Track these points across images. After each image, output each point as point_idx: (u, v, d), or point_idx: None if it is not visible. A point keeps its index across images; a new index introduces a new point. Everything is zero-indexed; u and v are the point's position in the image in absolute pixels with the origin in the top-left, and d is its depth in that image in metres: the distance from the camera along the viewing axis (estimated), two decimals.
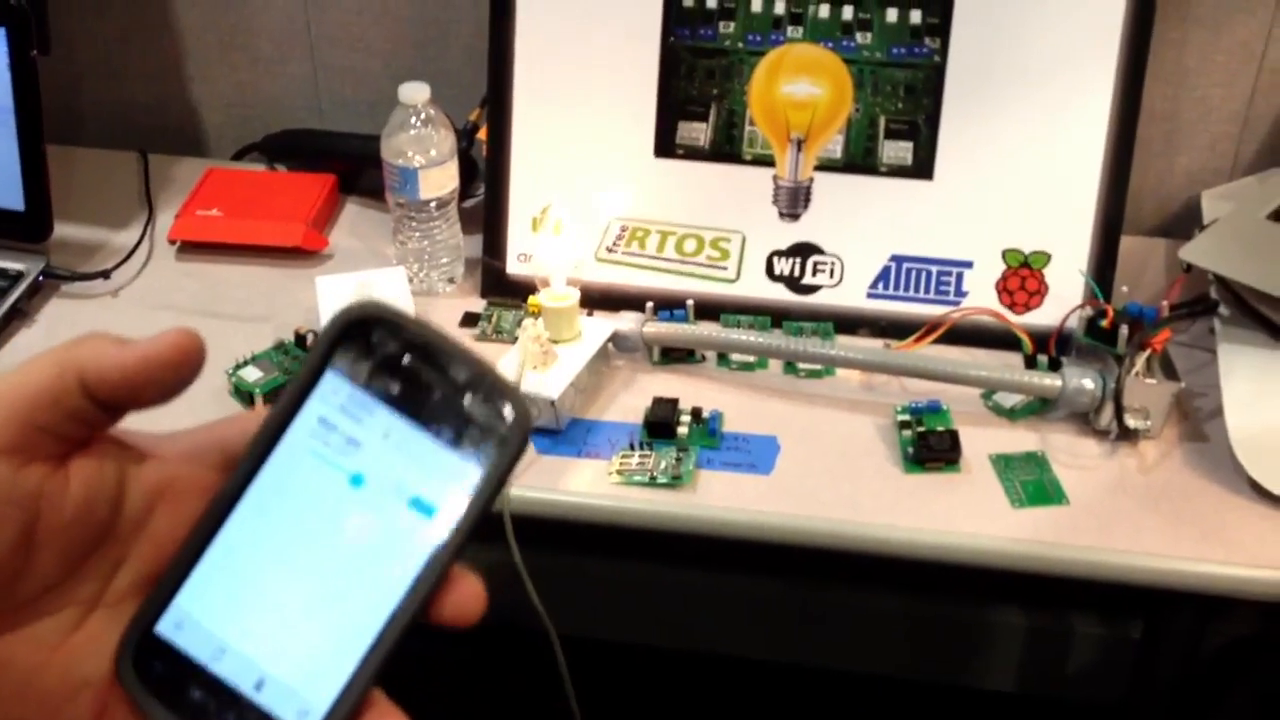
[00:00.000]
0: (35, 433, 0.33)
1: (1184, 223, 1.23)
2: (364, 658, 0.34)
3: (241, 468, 0.35)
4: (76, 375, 0.34)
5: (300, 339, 1.08)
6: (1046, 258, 1.10)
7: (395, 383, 0.35)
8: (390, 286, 1.11)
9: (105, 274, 1.17)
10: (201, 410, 0.36)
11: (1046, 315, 1.09)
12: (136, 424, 0.37)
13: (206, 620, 0.35)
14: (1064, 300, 1.09)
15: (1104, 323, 1.01)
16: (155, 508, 0.35)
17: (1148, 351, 0.99)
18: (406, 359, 0.35)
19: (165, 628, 0.35)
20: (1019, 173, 1.10)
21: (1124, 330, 0.99)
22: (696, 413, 1.02)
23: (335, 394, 0.35)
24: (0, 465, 0.33)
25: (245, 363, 1.05)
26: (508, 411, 0.34)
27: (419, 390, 0.35)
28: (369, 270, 1.15)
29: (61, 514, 0.33)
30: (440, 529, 0.34)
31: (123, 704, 0.35)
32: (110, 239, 1.24)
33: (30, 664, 0.34)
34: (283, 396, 0.35)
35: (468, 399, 0.34)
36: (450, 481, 0.34)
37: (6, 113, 1.15)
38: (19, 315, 1.14)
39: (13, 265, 1.16)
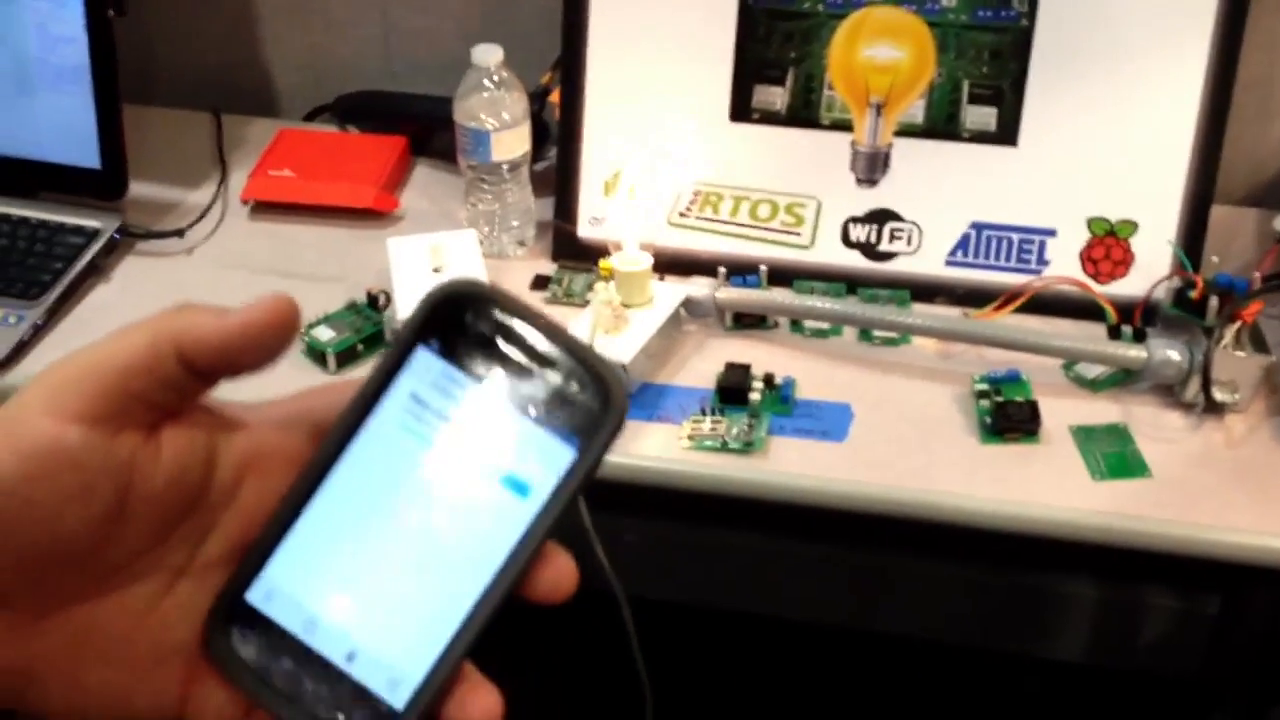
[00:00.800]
0: (128, 401, 0.33)
1: (1277, 192, 1.20)
2: (456, 632, 0.34)
3: (331, 440, 0.35)
4: (173, 344, 0.34)
5: (372, 299, 1.08)
6: (1133, 227, 1.07)
7: (490, 361, 0.34)
8: (461, 249, 1.10)
9: (180, 233, 1.18)
10: (275, 370, 0.36)
11: (1132, 286, 1.07)
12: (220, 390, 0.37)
13: (297, 591, 0.35)
14: (1150, 271, 1.06)
15: (1193, 294, 0.98)
16: (245, 478, 0.35)
17: (1238, 323, 0.96)
18: (501, 337, 0.34)
19: (255, 597, 0.35)
20: (1106, 140, 1.07)
21: (1213, 301, 0.97)
22: (769, 379, 1.01)
23: (428, 370, 0.35)
24: (94, 434, 0.33)
25: (318, 322, 1.06)
26: (605, 393, 0.34)
27: (514, 369, 0.34)
28: (440, 232, 1.14)
29: (153, 483, 0.33)
30: (534, 507, 0.34)
31: (211, 673, 0.35)
32: (184, 198, 1.25)
33: (120, 629, 0.34)
34: (373, 371, 0.35)
35: (564, 379, 0.34)
36: (545, 461, 0.34)
37: (83, 72, 1.16)
38: (95, 272, 1.15)
39: (89, 223, 1.17)
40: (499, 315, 0.34)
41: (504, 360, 0.34)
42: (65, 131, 1.17)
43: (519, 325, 0.34)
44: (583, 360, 0.34)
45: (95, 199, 1.19)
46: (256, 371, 0.35)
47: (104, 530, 0.33)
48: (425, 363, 0.35)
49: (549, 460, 0.34)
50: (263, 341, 0.34)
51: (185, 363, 0.34)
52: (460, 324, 0.35)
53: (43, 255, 1.14)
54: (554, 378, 0.34)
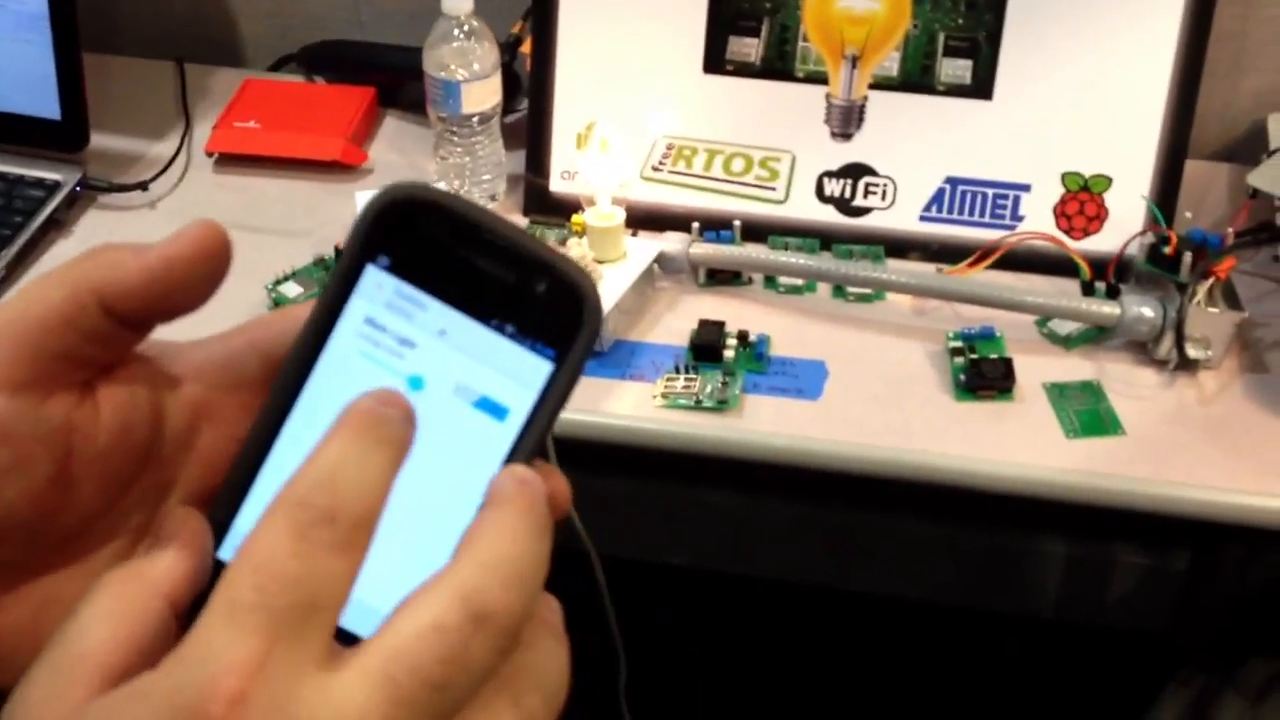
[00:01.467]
0: (52, 361, 0.31)
1: (1249, 147, 1.19)
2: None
3: (285, 378, 0.32)
4: (92, 292, 0.31)
5: (340, 254, 1.06)
6: (1107, 182, 1.07)
7: (447, 274, 0.32)
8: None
9: (143, 185, 1.16)
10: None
11: (1106, 241, 1.06)
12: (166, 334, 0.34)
13: None
14: (1124, 226, 1.05)
15: (1167, 249, 0.98)
16: (198, 426, 0.33)
17: (1211, 280, 0.96)
18: (458, 246, 0.31)
19: (226, 554, 0.32)
20: (1081, 94, 1.06)
21: (1187, 257, 0.96)
22: (743, 336, 1.00)
23: (379, 290, 0.32)
24: (20, 401, 0.30)
25: (285, 278, 1.04)
26: (576, 296, 0.31)
27: (475, 280, 0.32)
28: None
29: (95, 444, 0.31)
30: (514, 428, 0.32)
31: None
32: (147, 150, 1.22)
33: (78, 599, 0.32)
34: (322, 297, 0.32)
35: (530, 285, 0.31)
36: (520, 377, 0.32)
37: (42, 20, 1.13)
38: (56, 225, 1.12)
39: (50, 175, 1.14)
40: (451, 222, 0.31)
41: (463, 271, 0.31)
42: (24, 81, 1.15)
43: (475, 231, 0.31)
44: (547, 264, 0.31)
45: (55, 151, 1.16)
46: (191, 311, 0.32)
47: (50, 500, 0.31)
48: (376, 281, 0.32)
49: (524, 376, 0.32)
50: (191, 277, 0.32)
51: (110, 312, 0.31)
52: (410, 235, 0.31)
53: (2, 209, 1.11)
54: (519, 286, 0.31)
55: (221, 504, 0.33)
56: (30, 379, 0.30)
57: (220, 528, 0.33)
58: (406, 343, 0.32)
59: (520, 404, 0.32)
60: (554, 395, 0.32)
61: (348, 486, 0.28)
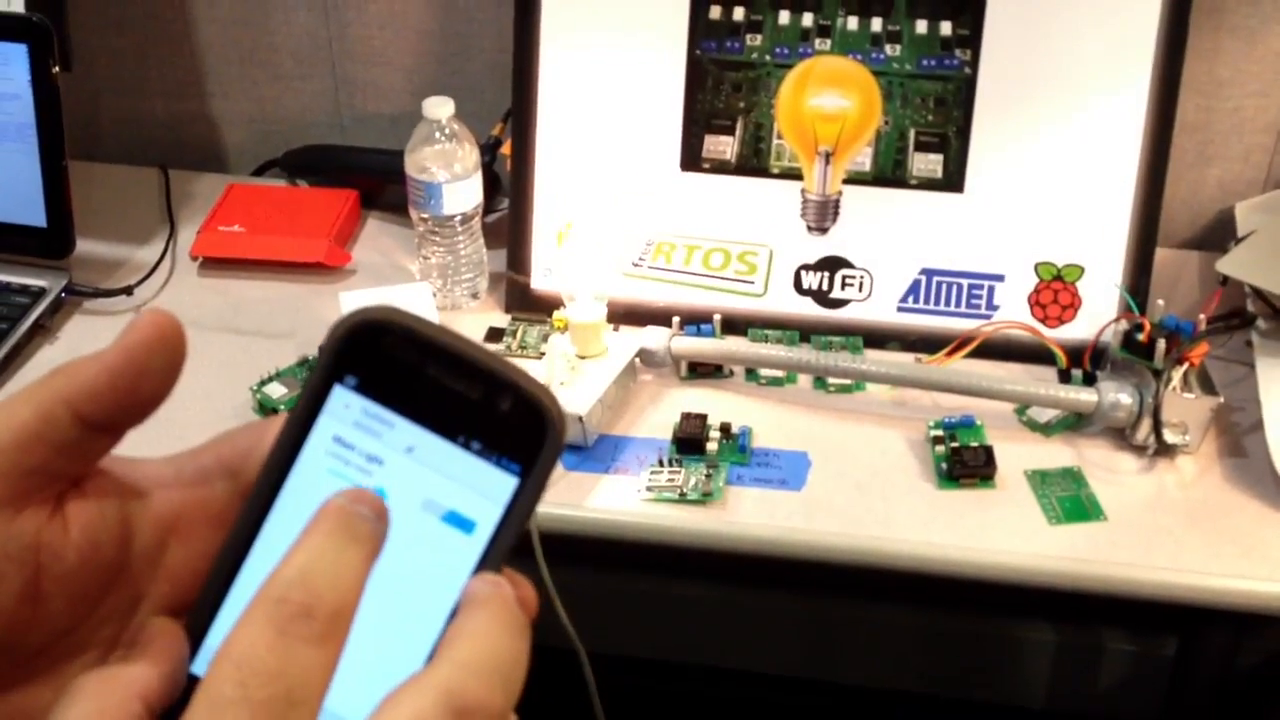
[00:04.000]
0: (25, 478, 0.31)
1: (1217, 235, 1.22)
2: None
3: (256, 495, 0.33)
4: (61, 403, 0.31)
5: (308, 375, 1.07)
6: (1080, 271, 1.09)
7: (413, 393, 0.32)
8: (414, 302, 1.10)
9: (128, 290, 1.16)
10: (227, 427, 0.35)
11: (1080, 329, 1.08)
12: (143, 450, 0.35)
13: None
14: (1098, 314, 1.07)
15: (1141, 336, 0.99)
16: (167, 541, 0.34)
17: (1185, 365, 0.97)
18: (422, 366, 0.32)
19: (200, 668, 0.32)
20: (1051, 185, 1.09)
21: (1161, 344, 0.98)
22: (726, 428, 1.01)
23: (347, 409, 0.32)
24: None
25: (270, 379, 1.05)
26: (540, 413, 0.32)
27: (440, 398, 0.32)
28: (393, 286, 1.14)
29: (64, 561, 0.32)
30: (481, 542, 0.32)
31: None
32: (132, 255, 1.23)
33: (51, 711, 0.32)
34: (290, 416, 0.33)
35: (495, 403, 0.32)
36: (486, 492, 0.32)
37: (28, 129, 1.14)
38: (41, 331, 1.13)
39: (35, 282, 1.15)
40: (414, 342, 0.32)
41: (428, 390, 0.32)
42: (10, 189, 1.16)
43: (439, 352, 0.32)
44: (511, 382, 0.32)
45: (41, 257, 1.17)
46: (156, 404, 0.33)
47: (20, 615, 0.31)
48: (344, 400, 0.32)
49: (490, 491, 0.32)
50: (150, 365, 0.32)
51: (81, 419, 0.31)
52: (376, 355, 0.32)
53: None
54: (484, 403, 0.32)
55: (195, 619, 0.33)
56: (4, 497, 0.31)
57: (194, 642, 0.33)
58: (374, 460, 0.33)
59: (487, 517, 0.32)
60: (520, 508, 0.32)
61: (323, 581, 0.29)
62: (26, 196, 1.16)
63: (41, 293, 1.14)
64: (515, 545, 0.33)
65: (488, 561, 0.32)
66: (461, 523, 0.32)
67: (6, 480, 0.31)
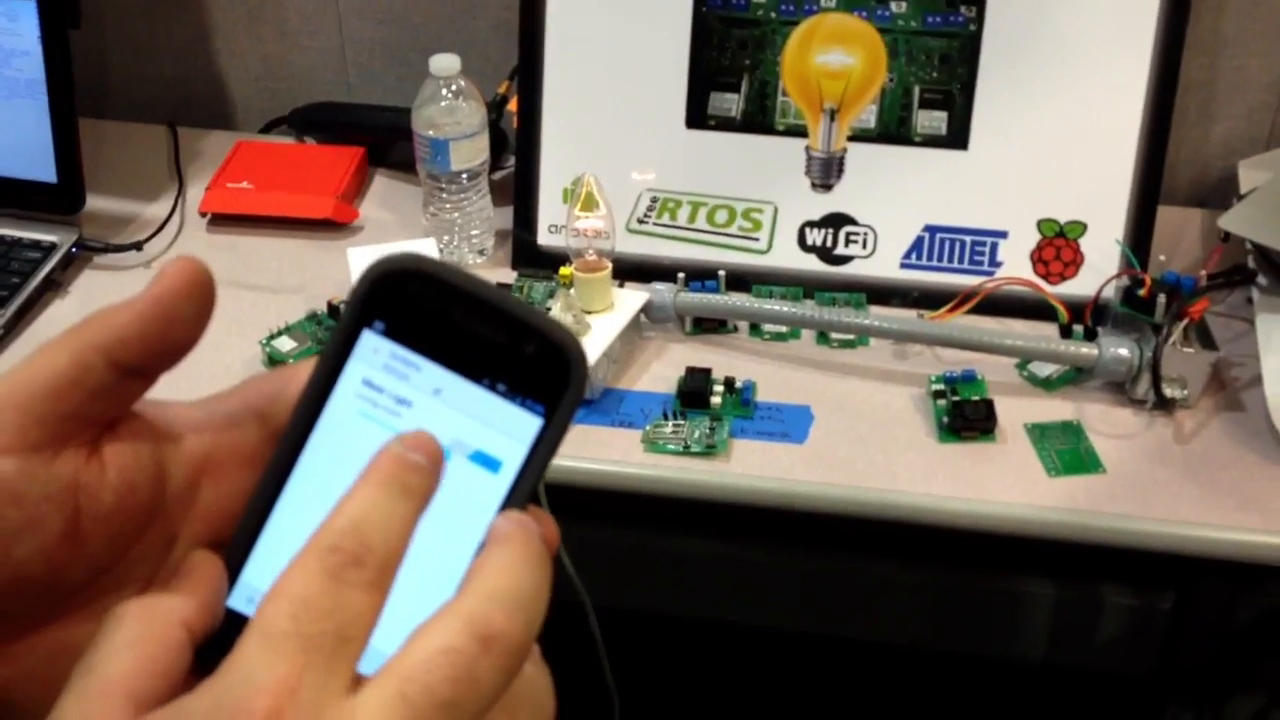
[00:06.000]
0: (62, 422, 0.32)
1: (1220, 192, 1.22)
2: None
3: (288, 436, 0.34)
4: (95, 350, 0.32)
5: (333, 309, 1.08)
6: (1082, 227, 1.10)
7: (440, 337, 0.33)
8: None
9: (138, 245, 1.17)
10: (237, 380, 0.35)
11: (1082, 285, 1.09)
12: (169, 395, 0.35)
13: None
14: (1100, 270, 1.08)
15: (1141, 292, 1.00)
16: (200, 481, 0.35)
17: (1185, 321, 0.98)
18: (448, 311, 0.33)
19: (237, 603, 0.34)
20: (1054, 142, 1.09)
21: (1161, 299, 0.99)
22: (729, 382, 1.02)
23: (376, 353, 0.33)
24: (30, 463, 0.32)
25: (279, 333, 1.06)
26: (564, 355, 0.33)
27: (466, 342, 0.33)
28: (400, 241, 1.15)
29: (102, 502, 0.33)
30: (507, 480, 0.33)
31: (193, 678, 0.34)
32: (142, 211, 1.24)
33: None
34: (320, 360, 0.34)
35: (519, 346, 0.33)
36: (512, 432, 0.33)
37: (38, 86, 1.15)
38: (53, 286, 1.14)
39: (46, 237, 1.16)
40: (441, 288, 0.33)
41: (454, 334, 0.33)
42: (21, 146, 1.17)
43: (464, 296, 0.33)
44: (535, 325, 0.33)
45: (52, 213, 1.18)
46: (189, 348, 0.33)
47: (60, 555, 0.32)
48: (373, 345, 0.33)
49: (516, 431, 0.33)
50: (180, 311, 0.33)
51: (115, 365, 0.32)
52: (403, 301, 0.33)
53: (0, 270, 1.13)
54: (509, 347, 0.33)
55: (231, 555, 0.34)
56: (39, 441, 0.32)
57: (230, 578, 0.34)
58: (404, 402, 0.34)
59: (513, 456, 0.33)
60: (544, 448, 0.33)
61: (374, 532, 0.30)
62: (37, 152, 1.17)
63: (52, 248, 1.15)
64: (539, 484, 0.34)
65: (513, 499, 0.33)
66: (488, 462, 0.33)
67: (44, 425, 0.32)
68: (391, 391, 0.34)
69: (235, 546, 0.34)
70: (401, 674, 0.29)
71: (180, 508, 0.35)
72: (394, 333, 0.33)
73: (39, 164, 1.17)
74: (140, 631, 0.31)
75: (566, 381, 0.33)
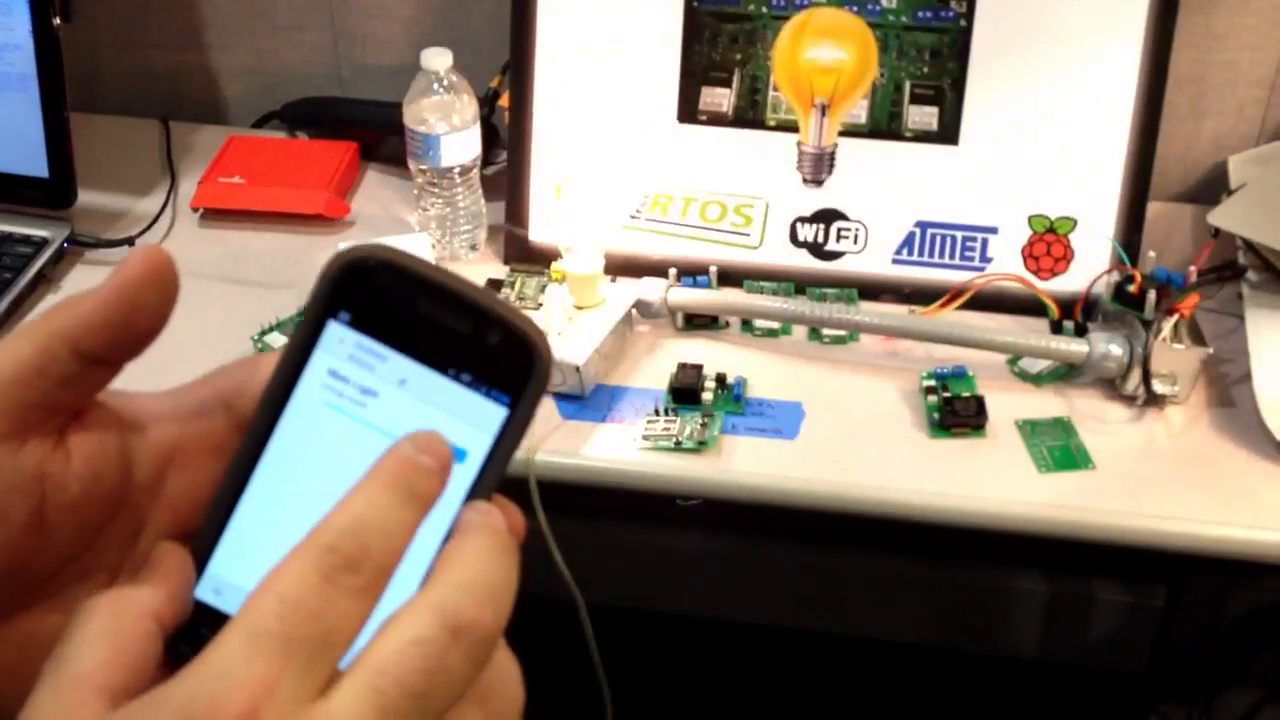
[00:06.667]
0: (27, 411, 0.32)
1: (1211, 188, 1.22)
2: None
3: (255, 427, 0.34)
4: (59, 338, 0.32)
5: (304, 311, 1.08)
6: (1072, 223, 1.10)
7: (404, 327, 0.33)
8: (413, 253, 1.11)
9: (130, 241, 1.17)
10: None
11: (1072, 281, 1.09)
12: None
13: (245, 583, 0.33)
14: (1090, 266, 1.08)
15: (1132, 288, 1.00)
16: (166, 471, 0.35)
17: (1175, 317, 0.98)
18: (413, 301, 0.33)
19: (204, 594, 0.34)
20: (1045, 138, 1.09)
21: (1151, 295, 0.99)
22: (721, 378, 1.02)
23: (341, 344, 0.33)
24: None
25: (271, 329, 1.06)
26: (527, 345, 0.33)
27: (430, 332, 0.33)
28: (391, 236, 1.15)
29: (67, 492, 0.33)
30: (472, 470, 0.33)
31: (164, 670, 0.35)
32: (133, 206, 1.24)
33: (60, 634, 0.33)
34: (286, 350, 0.34)
35: (483, 336, 0.33)
36: (476, 422, 0.33)
37: (29, 80, 1.15)
38: (44, 281, 1.14)
39: (37, 232, 1.16)
40: (406, 278, 0.33)
41: (419, 325, 0.33)
42: (12, 140, 1.17)
43: (429, 286, 0.33)
44: (499, 316, 0.33)
45: (43, 208, 1.18)
46: (153, 336, 0.34)
47: (25, 545, 0.32)
48: (338, 335, 0.33)
49: (480, 421, 0.33)
50: (144, 298, 0.33)
51: (79, 353, 0.33)
52: (367, 292, 0.33)
53: None
54: (474, 337, 0.33)
55: (198, 545, 0.34)
56: (4, 431, 0.32)
57: (198, 568, 0.34)
58: (369, 392, 0.34)
59: (477, 446, 0.34)
60: (509, 437, 0.34)
61: (374, 537, 0.30)
62: (28, 147, 1.17)
63: (44, 243, 1.15)
64: (504, 473, 0.34)
65: (479, 489, 0.33)
66: (454, 452, 0.33)
67: (9, 415, 0.32)
68: (357, 382, 0.34)
69: (202, 537, 0.34)
70: (373, 666, 0.29)
71: (147, 497, 0.35)
72: (359, 323, 0.33)
73: (30, 159, 1.17)
74: (110, 624, 0.31)
75: (531, 371, 0.33)
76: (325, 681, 0.29)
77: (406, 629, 0.29)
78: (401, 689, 0.29)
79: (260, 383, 0.34)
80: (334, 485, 0.33)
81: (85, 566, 0.34)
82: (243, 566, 0.34)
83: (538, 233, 1.16)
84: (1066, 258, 1.10)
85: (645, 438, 0.98)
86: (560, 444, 0.97)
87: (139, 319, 0.33)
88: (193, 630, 0.33)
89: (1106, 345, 0.99)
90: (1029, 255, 1.10)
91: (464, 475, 0.33)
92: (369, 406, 0.34)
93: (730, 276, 1.11)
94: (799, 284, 1.12)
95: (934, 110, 1.10)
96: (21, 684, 0.33)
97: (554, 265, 1.11)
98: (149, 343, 0.34)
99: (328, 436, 0.34)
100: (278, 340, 1.05)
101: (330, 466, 0.33)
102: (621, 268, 1.11)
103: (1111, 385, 1.01)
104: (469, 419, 0.33)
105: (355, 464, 0.33)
